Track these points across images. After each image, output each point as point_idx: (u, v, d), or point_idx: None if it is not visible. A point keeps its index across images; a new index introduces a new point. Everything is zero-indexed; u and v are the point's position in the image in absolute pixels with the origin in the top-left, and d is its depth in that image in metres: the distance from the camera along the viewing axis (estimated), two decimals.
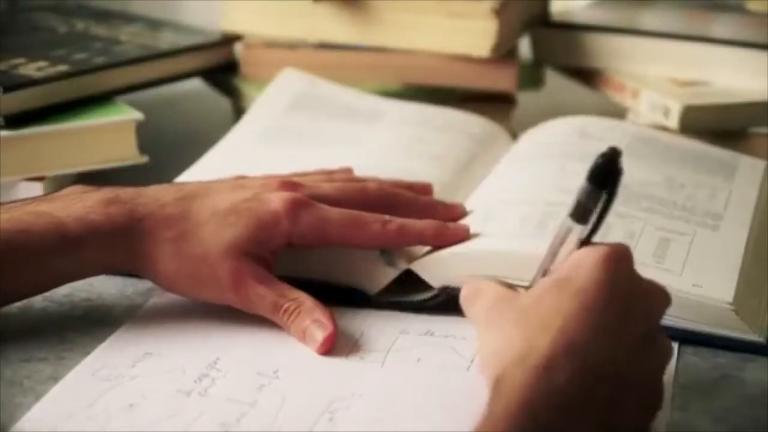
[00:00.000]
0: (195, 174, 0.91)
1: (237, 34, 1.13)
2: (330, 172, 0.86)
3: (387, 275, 0.80)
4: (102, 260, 0.76)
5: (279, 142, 0.96)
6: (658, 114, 1.03)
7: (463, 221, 0.82)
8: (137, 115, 0.97)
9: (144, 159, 0.97)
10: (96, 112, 0.97)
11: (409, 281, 0.79)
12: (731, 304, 0.74)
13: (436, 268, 0.79)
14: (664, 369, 0.65)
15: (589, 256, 0.63)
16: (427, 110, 1.02)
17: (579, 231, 0.65)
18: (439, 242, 0.79)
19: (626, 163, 0.88)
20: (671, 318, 0.75)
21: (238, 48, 1.14)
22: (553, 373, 0.58)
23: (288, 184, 0.79)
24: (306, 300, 0.75)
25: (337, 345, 0.74)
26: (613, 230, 0.80)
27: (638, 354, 0.62)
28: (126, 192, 0.77)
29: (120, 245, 0.75)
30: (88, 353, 0.73)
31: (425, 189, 0.87)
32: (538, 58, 1.15)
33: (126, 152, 0.96)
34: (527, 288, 0.68)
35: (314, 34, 1.10)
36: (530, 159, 0.92)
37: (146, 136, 0.97)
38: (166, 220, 0.76)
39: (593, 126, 0.95)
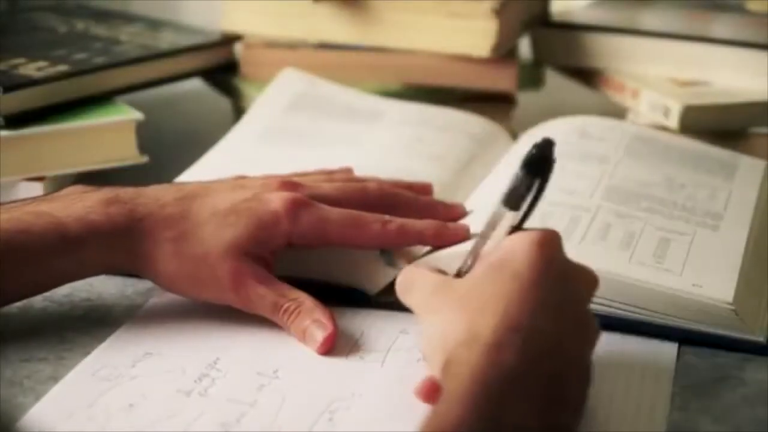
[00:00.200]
0: (195, 174, 0.91)
1: (237, 34, 1.13)
2: (330, 172, 0.86)
3: (387, 275, 0.80)
4: (102, 260, 0.76)
5: (279, 142, 0.96)
6: (658, 114, 1.03)
7: (463, 221, 0.82)
8: (137, 115, 0.97)
9: (144, 159, 0.97)
10: (96, 112, 0.97)
11: None
12: (731, 304, 0.74)
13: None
14: (593, 346, 0.66)
15: (523, 241, 0.66)
16: (427, 110, 1.02)
17: (511, 217, 0.68)
18: (439, 242, 0.80)
19: (626, 163, 0.89)
20: (671, 318, 0.75)
21: (238, 48, 1.14)
22: (501, 352, 0.60)
23: (288, 184, 0.79)
24: (306, 300, 0.75)
25: (337, 345, 0.74)
26: (613, 230, 0.80)
27: (574, 331, 0.64)
28: (126, 192, 0.77)
29: (120, 245, 0.75)
30: (88, 353, 0.73)
31: (425, 189, 0.87)
32: (538, 58, 1.15)
33: (126, 152, 0.96)
34: (459, 273, 0.70)
35: (314, 34, 1.10)
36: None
37: (146, 136, 0.97)
38: (166, 220, 0.76)
39: (593, 126, 0.95)
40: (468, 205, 0.85)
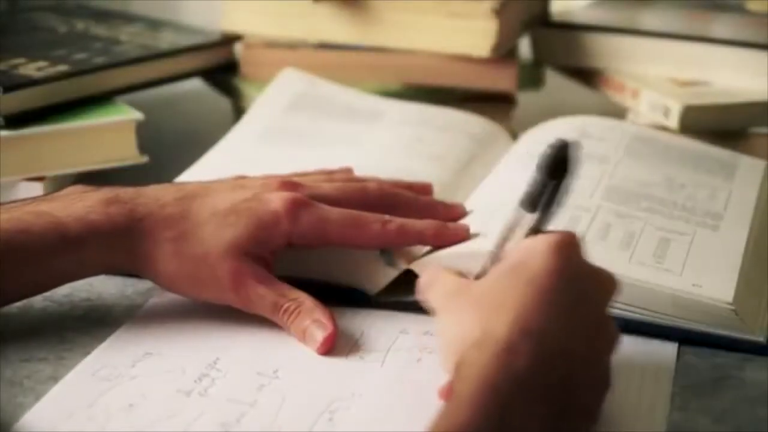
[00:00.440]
0: (195, 174, 0.91)
1: (237, 34, 1.13)
2: (330, 172, 0.86)
3: (387, 275, 0.80)
4: (102, 260, 0.76)
5: (279, 142, 0.96)
6: (658, 114, 1.03)
7: (463, 221, 0.82)
8: (137, 115, 0.97)
9: (144, 159, 0.97)
10: (96, 112, 0.97)
11: (409, 281, 0.79)
12: (731, 304, 0.74)
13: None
14: (612, 351, 0.66)
15: (541, 243, 0.65)
16: (427, 110, 1.02)
17: (529, 220, 0.67)
18: (439, 242, 0.80)
19: (626, 163, 0.89)
20: (671, 318, 0.75)
21: (238, 48, 1.14)
22: (513, 355, 0.60)
23: (288, 184, 0.79)
24: (306, 300, 0.75)
25: (337, 345, 0.74)
26: (613, 230, 0.80)
27: (589, 336, 0.64)
28: (126, 192, 0.77)
29: (120, 245, 0.75)
30: (88, 353, 0.73)
31: (425, 189, 0.87)
32: (538, 58, 1.15)
33: (126, 152, 0.96)
34: (478, 276, 0.69)
35: (314, 34, 1.10)
36: (530, 159, 0.92)
37: (146, 136, 0.97)
38: (166, 220, 0.76)
39: (593, 126, 0.95)
40: (468, 205, 0.85)
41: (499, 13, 1.05)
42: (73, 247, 0.74)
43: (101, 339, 0.75)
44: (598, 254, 0.76)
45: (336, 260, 0.80)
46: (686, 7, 1.20)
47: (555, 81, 1.17)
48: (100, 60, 1.02)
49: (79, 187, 0.79)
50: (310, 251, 0.79)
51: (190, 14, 1.28)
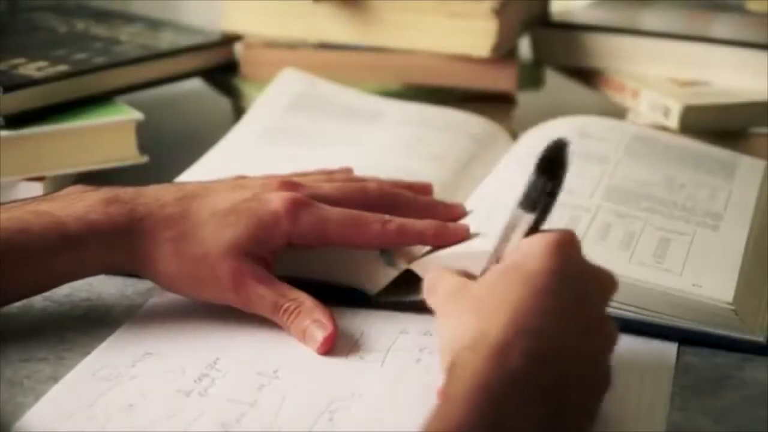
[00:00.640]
0: (195, 174, 0.91)
1: (237, 34, 1.13)
2: (330, 172, 0.86)
3: (387, 275, 0.80)
4: (102, 260, 0.76)
5: (279, 142, 0.96)
6: (658, 114, 1.03)
7: (463, 221, 0.82)
8: (137, 115, 0.97)
9: (144, 159, 0.97)
10: (96, 112, 0.97)
11: (409, 281, 0.79)
12: (731, 304, 0.74)
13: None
14: (611, 350, 0.66)
15: (538, 243, 0.65)
16: (427, 110, 1.02)
17: (528, 220, 0.67)
18: (439, 242, 0.79)
19: (626, 163, 0.89)
20: (671, 318, 0.75)
21: (238, 48, 1.14)
22: (507, 356, 0.60)
23: (288, 184, 0.79)
24: (306, 300, 0.75)
25: (337, 345, 0.74)
26: (613, 230, 0.80)
27: (587, 336, 0.64)
28: (126, 192, 0.77)
29: (120, 245, 0.75)
30: (88, 353, 0.73)
31: (425, 189, 0.87)
32: (538, 58, 1.15)
33: (126, 152, 0.96)
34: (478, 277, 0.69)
35: (314, 34, 1.10)
36: (530, 159, 0.91)
37: (146, 136, 0.97)
38: (166, 220, 0.76)
39: (593, 126, 0.95)
40: (468, 205, 0.85)
41: (499, 13, 1.05)
42: (73, 247, 0.74)
43: (101, 339, 0.75)
44: (598, 254, 0.76)
45: (336, 260, 0.80)
46: (686, 7, 1.20)
47: (555, 81, 1.17)
48: (100, 60, 1.02)
49: (79, 187, 0.79)
50: (310, 251, 0.79)
51: (190, 14, 1.28)
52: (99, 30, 1.13)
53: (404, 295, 0.79)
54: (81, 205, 0.75)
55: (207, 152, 0.96)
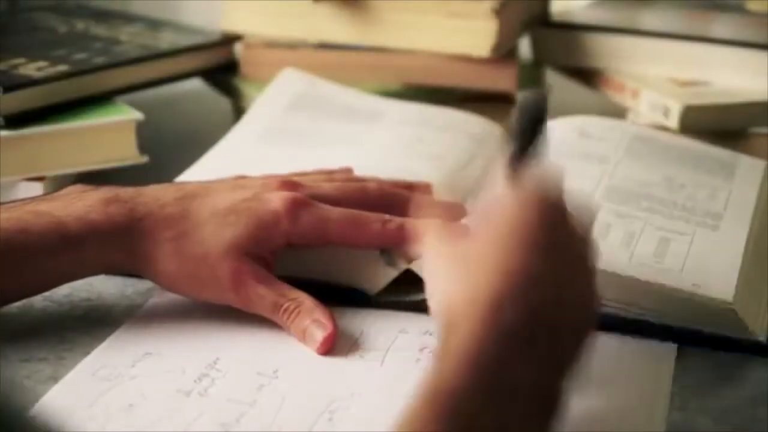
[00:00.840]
0: (195, 174, 0.91)
1: (237, 34, 1.13)
2: (330, 172, 0.86)
3: (387, 275, 0.80)
4: (102, 260, 0.76)
5: (279, 142, 0.96)
6: (658, 114, 1.03)
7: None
8: (137, 115, 0.97)
9: (144, 159, 0.97)
10: (96, 112, 0.97)
11: (409, 281, 0.79)
12: (731, 303, 0.74)
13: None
14: (594, 288, 0.65)
15: (520, 194, 0.65)
16: (427, 110, 1.02)
17: (508, 153, 0.68)
18: None
19: (626, 163, 0.89)
20: (671, 318, 0.75)
21: (238, 48, 1.14)
22: (500, 310, 0.60)
23: (288, 183, 0.79)
24: (306, 300, 0.75)
25: (337, 345, 0.74)
26: (613, 230, 0.80)
27: (574, 278, 0.64)
28: (126, 191, 0.77)
29: (120, 245, 0.75)
30: (88, 353, 0.73)
31: (425, 189, 0.87)
32: (538, 58, 1.15)
33: (126, 152, 0.96)
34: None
35: (314, 34, 1.10)
36: None
37: (146, 136, 0.97)
38: (166, 220, 0.76)
39: (593, 126, 0.95)
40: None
41: (499, 13, 1.05)
42: (73, 247, 0.74)
43: (101, 339, 0.75)
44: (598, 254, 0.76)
45: (336, 260, 0.80)
46: (686, 7, 1.20)
47: (555, 81, 1.17)
48: (100, 60, 1.02)
49: (78, 187, 0.79)
50: (310, 251, 0.79)
51: (190, 14, 1.28)
52: (99, 30, 1.13)
53: (404, 295, 0.79)
54: (81, 204, 0.75)
55: (207, 152, 0.96)
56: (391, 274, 0.80)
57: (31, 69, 0.98)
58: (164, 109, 1.16)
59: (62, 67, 0.99)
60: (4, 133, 0.92)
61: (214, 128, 1.03)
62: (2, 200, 0.86)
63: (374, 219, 0.78)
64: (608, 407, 0.68)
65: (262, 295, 0.75)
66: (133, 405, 0.68)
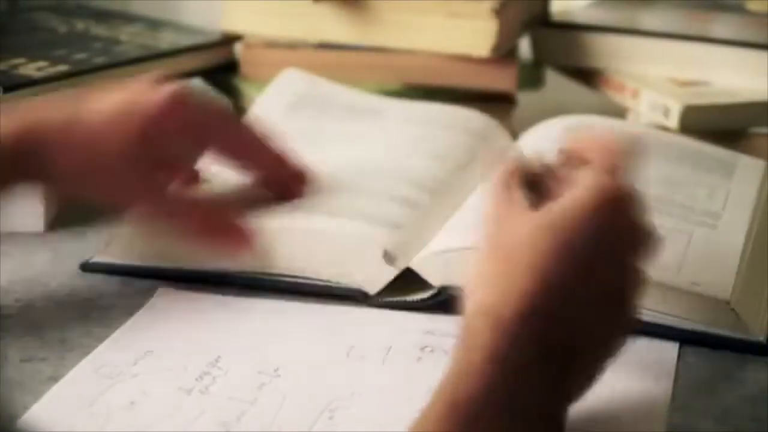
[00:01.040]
0: None
1: (237, 34, 1.13)
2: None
3: (387, 275, 0.80)
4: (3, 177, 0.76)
5: (279, 142, 0.96)
6: (658, 114, 1.03)
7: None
8: None
9: None
10: None
11: (409, 281, 0.79)
12: (730, 303, 0.74)
13: (436, 267, 0.79)
14: (635, 291, 0.64)
15: (589, 195, 0.62)
16: (428, 109, 1.01)
17: None
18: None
19: None
20: (671, 318, 0.75)
21: (238, 48, 1.14)
22: (520, 328, 0.59)
23: (163, 78, 0.81)
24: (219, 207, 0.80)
25: (337, 344, 0.74)
26: None
27: (617, 302, 0.63)
28: (17, 107, 0.78)
29: (18, 158, 0.76)
30: (88, 353, 0.73)
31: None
32: (538, 58, 1.15)
33: None
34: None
35: (314, 34, 1.10)
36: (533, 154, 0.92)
37: None
38: (61, 126, 0.77)
39: (591, 125, 0.95)
40: (469, 204, 0.85)
41: (499, 13, 1.05)
42: None
43: (101, 339, 0.75)
44: None
45: (336, 260, 0.80)
46: (686, 7, 1.20)
47: (555, 81, 1.17)
48: (100, 60, 1.02)
49: None
50: (311, 251, 0.79)
51: (190, 14, 1.28)
52: (99, 30, 1.13)
53: (404, 295, 0.79)
54: None
55: None
56: (391, 274, 0.80)
57: (31, 69, 0.98)
58: None
59: (62, 67, 0.99)
60: None
61: None
62: (3, 201, 0.86)
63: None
64: (609, 407, 0.68)
65: (172, 200, 0.79)
66: (135, 403, 0.68)
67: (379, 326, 0.77)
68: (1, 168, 0.76)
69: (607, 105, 1.10)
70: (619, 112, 1.07)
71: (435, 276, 0.79)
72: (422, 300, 0.79)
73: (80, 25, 1.14)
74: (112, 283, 0.82)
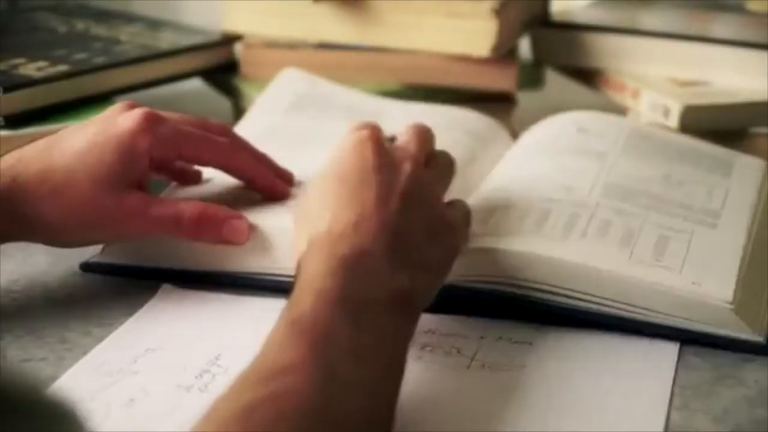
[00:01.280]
0: None
1: (237, 34, 1.13)
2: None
3: None
4: None
5: (280, 142, 0.96)
6: (658, 114, 1.03)
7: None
8: None
9: None
10: (96, 112, 0.96)
11: None
12: (730, 303, 0.74)
13: None
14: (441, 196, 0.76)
15: (346, 142, 0.75)
16: (428, 109, 1.01)
17: None
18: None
19: (624, 159, 0.89)
20: (671, 318, 0.75)
21: (238, 48, 1.14)
22: (337, 249, 0.66)
23: (131, 104, 0.80)
24: (201, 204, 0.79)
25: None
26: (613, 227, 0.80)
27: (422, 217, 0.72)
28: None
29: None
30: (87, 353, 0.73)
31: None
32: (538, 58, 1.15)
33: None
34: None
35: (314, 34, 1.10)
36: (529, 156, 0.92)
37: None
38: (36, 177, 0.76)
39: (591, 121, 0.95)
40: (470, 203, 0.85)
41: (499, 13, 1.05)
42: None
43: (101, 339, 0.75)
44: (598, 253, 0.76)
45: None
46: (686, 7, 1.20)
47: (555, 81, 1.17)
48: (100, 60, 1.02)
49: None
50: None
51: (190, 14, 1.28)
52: (99, 30, 1.13)
53: None
54: None
55: None
56: None
57: (31, 69, 0.98)
58: (164, 109, 1.16)
59: (62, 67, 0.99)
60: (4, 133, 0.92)
61: None
62: None
63: (219, 133, 0.82)
64: (608, 407, 0.68)
65: (159, 215, 0.77)
66: (134, 400, 0.68)
67: None
68: None
69: (607, 105, 1.10)
70: (620, 112, 1.07)
71: None
72: None
73: (80, 25, 1.14)
74: (112, 283, 0.82)
